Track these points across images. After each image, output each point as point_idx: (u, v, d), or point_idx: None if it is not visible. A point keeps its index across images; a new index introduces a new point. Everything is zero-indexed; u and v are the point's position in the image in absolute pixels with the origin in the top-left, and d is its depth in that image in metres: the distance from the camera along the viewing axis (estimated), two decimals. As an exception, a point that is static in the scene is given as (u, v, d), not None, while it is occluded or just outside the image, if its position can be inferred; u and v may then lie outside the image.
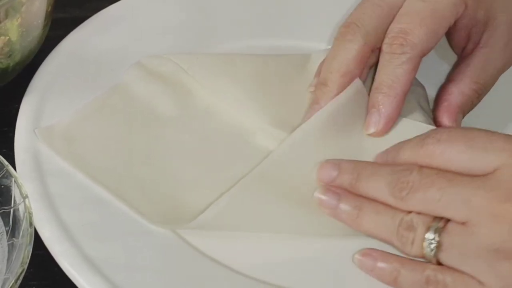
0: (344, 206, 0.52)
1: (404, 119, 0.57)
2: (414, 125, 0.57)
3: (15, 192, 0.52)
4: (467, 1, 0.57)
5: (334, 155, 0.55)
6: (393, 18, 0.57)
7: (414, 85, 0.60)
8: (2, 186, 0.52)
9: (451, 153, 0.49)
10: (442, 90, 0.60)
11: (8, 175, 0.52)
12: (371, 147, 0.56)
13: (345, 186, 0.53)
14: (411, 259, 0.50)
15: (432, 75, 0.63)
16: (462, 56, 0.61)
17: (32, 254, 0.49)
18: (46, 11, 0.61)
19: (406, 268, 0.50)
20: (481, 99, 0.60)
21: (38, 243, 0.51)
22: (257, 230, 0.54)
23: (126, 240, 0.53)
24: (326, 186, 0.53)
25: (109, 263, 0.51)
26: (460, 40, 0.60)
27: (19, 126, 0.58)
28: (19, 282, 0.48)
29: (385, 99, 0.56)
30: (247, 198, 0.54)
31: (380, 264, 0.51)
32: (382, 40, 0.57)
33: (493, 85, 0.60)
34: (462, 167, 0.49)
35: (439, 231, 0.48)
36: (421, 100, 0.60)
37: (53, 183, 0.54)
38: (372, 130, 0.56)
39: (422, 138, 0.51)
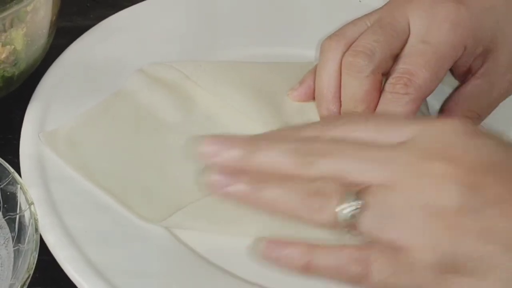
0: (239, 185, 0.44)
1: None
2: None
3: (20, 198, 0.52)
4: (467, 43, 0.57)
5: None
6: (402, 44, 0.57)
7: None
8: (8, 193, 0.53)
9: (359, 127, 0.45)
10: None
11: (14, 182, 0.52)
12: None
13: (236, 160, 0.44)
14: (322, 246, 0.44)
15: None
16: (461, 84, 0.61)
17: (37, 259, 0.49)
18: (51, 20, 0.61)
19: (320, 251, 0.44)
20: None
21: (42, 249, 0.51)
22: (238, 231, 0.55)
23: (130, 246, 0.53)
24: (218, 166, 0.45)
25: (113, 269, 0.52)
26: (461, 72, 0.60)
27: (24, 133, 0.58)
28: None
29: None
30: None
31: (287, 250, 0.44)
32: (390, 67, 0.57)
33: (490, 112, 0.60)
34: (371, 138, 0.45)
35: (359, 194, 0.43)
36: (423, 108, 0.60)
37: (57, 190, 0.55)
38: None
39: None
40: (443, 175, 0.42)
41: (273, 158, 0.44)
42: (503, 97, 0.61)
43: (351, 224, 0.43)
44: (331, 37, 0.59)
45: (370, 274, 0.43)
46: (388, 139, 0.44)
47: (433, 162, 0.43)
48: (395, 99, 0.55)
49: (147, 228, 0.54)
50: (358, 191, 0.43)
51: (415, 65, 0.56)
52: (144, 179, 0.57)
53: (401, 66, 0.56)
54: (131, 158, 0.58)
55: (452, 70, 0.60)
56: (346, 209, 0.43)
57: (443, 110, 0.60)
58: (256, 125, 0.60)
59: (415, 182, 0.42)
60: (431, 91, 0.56)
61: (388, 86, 0.56)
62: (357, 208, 0.43)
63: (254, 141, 0.45)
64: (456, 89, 0.61)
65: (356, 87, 0.57)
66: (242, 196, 0.44)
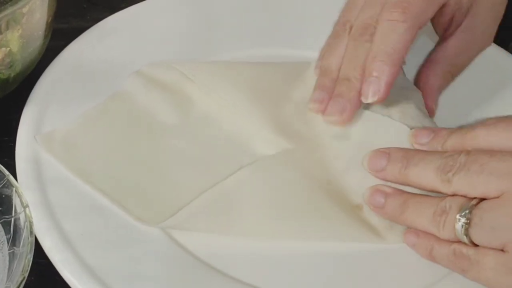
0: (390, 205, 0.54)
1: (397, 122, 0.58)
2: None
3: (15, 201, 0.52)
4: None
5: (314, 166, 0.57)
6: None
7: (411, 90, 0.61)
8: (3, 196, 0.53)
9: (495, 134, 0.51)
10: (421, 72, 0.62)
11: (9, 185, 0.52)
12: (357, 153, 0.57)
13: (395, 174, 0.54)
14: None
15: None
16: (443, 38, 0.62)
17: (33, 262, 0.49)
18: (47, 22, 0.61)
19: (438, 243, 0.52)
20: (455, 79, 0.62)
21: (39, 252, 0.51)
22: (234, 232, 0.55)
23: (127, 248, 0.53)
24: (374, 187, 0.55)
25: (109, 272, 0.51)
26: (444, 23, 0.62)
27: (20, 135, 0.58)
28: (20, 290, 0.48)
29: (384, 67, 0.55)
30: (227, 199, 0.55)
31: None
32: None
33: (467, 66, 0.62)
34: (506, 146, 0.50)
35: (470, 209, 0.49)
36: (420, 105, 0.60)
37: (53, 192, 0.55)
38: (372, 99, 0.55)
39: (471, 126, 0.53)
40: None
41: (421, 173, 0.52)
42: (481, 50, 0.62)
43: (465, 235, 0.49)
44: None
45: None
46: None
47: None
48: (393, 26, 0.56)
49: (144, 230, 0.54)
50: (472, 206, 0.49)
51: None
52: (141, 181, 0.57)
53: None
54: (129, 160, 0.58)
55: (433, 22, 0.62)
56: (458, 224, 0.49)
57: (428, 63, 0.62)
58: (253, 126, 0.60)
59: None
60: (425, 22, 0.57)
61: (385, 14, 0.56)
62: (466, 222, 0.49)
63: (408, 156, 0.54)
64: (441, 42, 0.62)
65: (362, 52, 0.57)
66: (390, 215, 0.54)
